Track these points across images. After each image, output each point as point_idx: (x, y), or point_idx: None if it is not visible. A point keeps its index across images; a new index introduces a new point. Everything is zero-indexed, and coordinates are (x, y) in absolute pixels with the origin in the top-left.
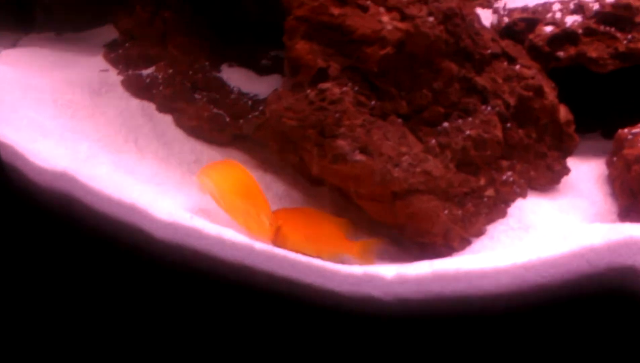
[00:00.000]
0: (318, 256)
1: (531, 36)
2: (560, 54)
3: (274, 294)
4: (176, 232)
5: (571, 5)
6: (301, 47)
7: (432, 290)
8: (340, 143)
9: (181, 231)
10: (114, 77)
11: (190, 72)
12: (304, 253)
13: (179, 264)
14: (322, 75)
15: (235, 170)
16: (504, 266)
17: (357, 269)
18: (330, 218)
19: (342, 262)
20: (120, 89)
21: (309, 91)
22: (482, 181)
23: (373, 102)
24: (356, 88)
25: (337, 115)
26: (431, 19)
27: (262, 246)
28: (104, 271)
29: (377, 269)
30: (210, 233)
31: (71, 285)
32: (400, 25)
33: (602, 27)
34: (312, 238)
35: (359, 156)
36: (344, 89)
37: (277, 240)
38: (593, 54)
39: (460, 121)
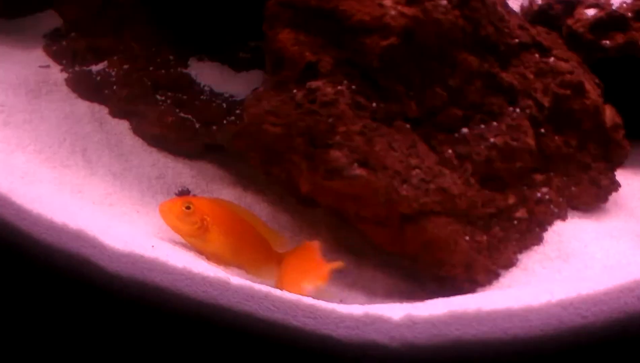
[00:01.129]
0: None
1: (570, 22)
2: (606, 43)
3: (255, 340)
4: (134, 265)
5: None
6: (285, 37)
7: (448, 334)
8: (335, 154)
9: (140, 263)
10: (57, 74)
11: (151, 68)
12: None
13: (138, 303)
14: (311, 71)
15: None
16: (536, 304)
17: (357, 309)
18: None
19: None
20: (64, 90)
21: (295, 90)
22: (512, 200)
23: (374, 104)
24: (353, 87)
25: (330, 120)
26: (444, 2)
27: (239, 281)
28: (44, 313)
29: (382, 309)
30: (176, 266)
31: (6, 325)
32: (407, 10)
33: None
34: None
35: (358, 171)
36: (339, 88)
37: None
38: None
39: (482, 126)
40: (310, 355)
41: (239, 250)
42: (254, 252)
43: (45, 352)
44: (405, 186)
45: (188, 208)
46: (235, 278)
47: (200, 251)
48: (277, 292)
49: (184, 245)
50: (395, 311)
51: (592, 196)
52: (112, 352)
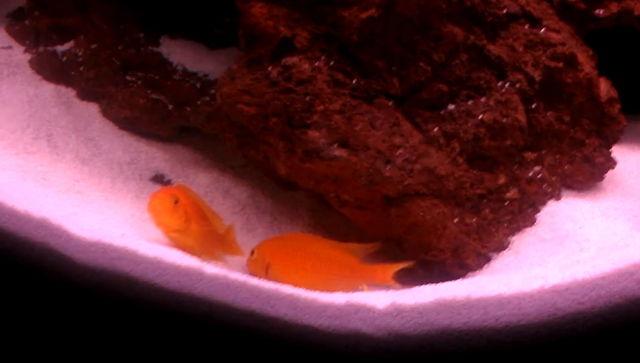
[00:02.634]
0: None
1: None
2: (599, 12)
3: (232, 331)
4: (103, 254)
5: None
6: (258, 11)
7: (436, 323)
8: (313, 134)
9: (109, 252)
10: (20, 55)
11: (120, 47)
12: None
13: (106, 295)
14: (286, 47)
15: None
16: (529, 290)
17: (338, 298)
18: (332, 243)
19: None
20: (27, 71)
21: (270, 68)
22: (502, 180)
23: (354, 81)
24: (332, 63)
25: (307, 98)
26: None
27: (213, 270)
28: (6, 305)
29: (365, 297)
30: (147, 254)
31: None
32: None
33: None
34: (314, 273)
35: (337, 151)
36: (316, 64)
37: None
38: None
39: (470, 102)
40: (290, 346)
41: (208, 240)
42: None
43: (8, 346)
44: (388, 166)
45: (176, 202)
46: (209, 267)
47: (182, 247)
48: (254, 281)
49: (156, 234)
50: (380, 299)
51: (587, 174)
52: (79, 345)
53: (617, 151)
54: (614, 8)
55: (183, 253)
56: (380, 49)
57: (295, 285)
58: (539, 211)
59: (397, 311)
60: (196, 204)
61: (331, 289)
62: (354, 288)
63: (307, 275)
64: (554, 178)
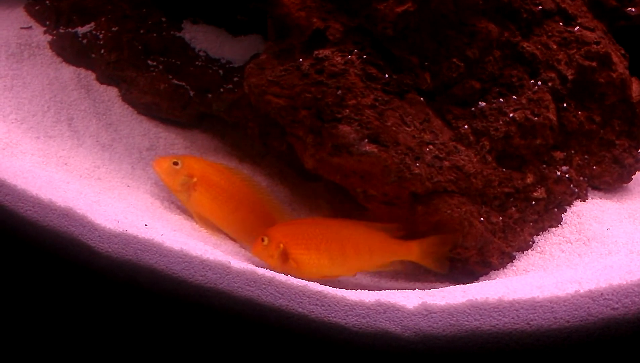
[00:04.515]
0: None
1: None
2: (631, 10)
3: (257, 327)
4: (126, 245)
5: None
6: (291, 1)
7: (466, 324)
8: (344, 128)
9: (133, 244)
10: (40, 36)
11: (142, 31)
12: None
13: (130, 287)
14: (319, 39)
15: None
16: (562, 294)
17: (368, 296)
18: (354, 222)
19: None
20: (48, 53)
21: (301, 59)
22: (530, 179)
23: (387, 76)
24: (364, 57)
25: (339, 92)
26: None
27: (240, 265)
28: (30, 293)
29: (396, 297)
30: (173, 247)
31: None
32: None
33: None
34: (338, 252)
35: (368, 147)
36: (349, 57)
37: (286, 269)
38: None
39: (501, 99)
40: (317, 343)
41: (227, 217)
42: (246, 223)
43: (31, 333)
44: (418, 163)
45: (176, 163)
46: (237, 262)
47: (187, 208)
48: (282, 277)
49: (180, 225)
50: (410, 299)
51: (615, 175)
52: (103, 336)
53: None
54: None
55: (208, 246)
56: (413, 44)
57: (317, 268)
58: (565, 211)
59: (427, 311)
60: (226, 181)
61: (360, 267)
62: (387, 265)
63: (331, 255)
64: (581, 178)
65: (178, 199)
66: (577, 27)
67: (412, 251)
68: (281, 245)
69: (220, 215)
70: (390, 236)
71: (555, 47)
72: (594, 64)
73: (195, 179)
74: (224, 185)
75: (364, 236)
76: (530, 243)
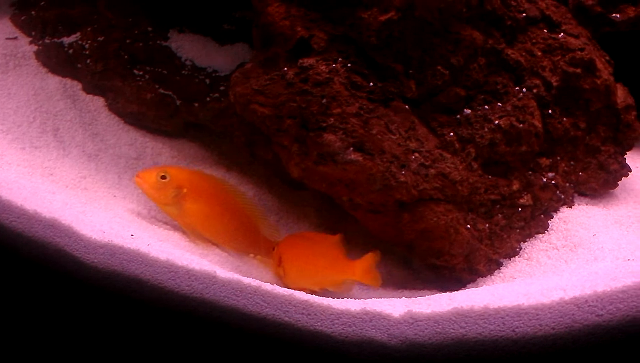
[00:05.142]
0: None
1: None
2: (616, 16)
3: (244, 336)
4: (112, 256)
5: None
6: (275, 10)
7: (452, 332)
8: (329, 137)
9: (119, 254)
10: (26, 47)
11: (128, 41)
12: (305, 290)
13: (116, 297)
14: (303, 47)
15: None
16: (547, 301)
17: (354, 305)
18: (323, 236)
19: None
20: (34, 63)
21: (286, 68)
22: (516, 186)
23: (372, 84)
24: (349, 65)
25: (324, 101)
26: None
27: (226, 274)
28: (14, 304)
29: (382, 305)
30: (159, 257)
31: None
32: None
33: None
34: (309, 268)
35: (353, 155)
36: (333, 66)
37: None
38: None
39: (486, 106)
40: (303, 352)
41: (218, 227)
42: (236, 232)
43: (16, 344)
44: (403, 171)
45: (163, 177)
46: (222, 271)
47: (178, 222)
48: (267, 287)
49: (167, 232)
50: (396, 307)
51: (601, 181)
52: (88, 346)
53: (630, 159)
54: (631, 12)
55: (194, 256)
56: (398, 52)
57: (298, 283)
58: (551, 217)
59: (413, 319)
60: (214, 191)
61: (320, 284)
62: (342, 284)
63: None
64: (567, 185)
65: (166, 213)
66: (562, 33)
67: (356, 270)
68: (184, 189)
69: (212, 223)
70: (345, 254)
71: (539, 53)
72: (578, 70)
73: (185, 190)
74: (212, 192)
75: (326, 254)
76: (517, 249)
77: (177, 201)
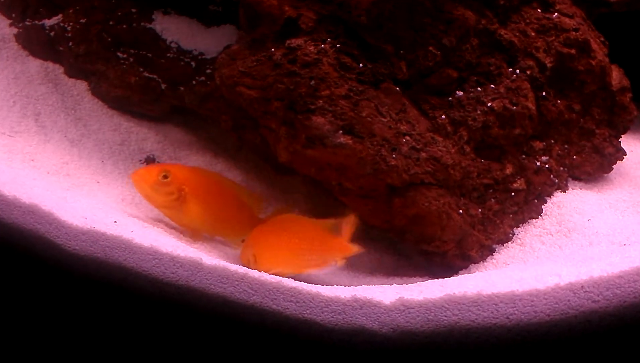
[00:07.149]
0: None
1: None
2: None
3: (230, 324)
4: (95, 242)
5: None
6: None
7: (444, 320)
8: (318, 120)
9: (102, 241)
10: (5, 29)
11: (111, 22)
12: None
13: (99, 285)
14: (291, 28)
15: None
16: (542, 287)
17: (344, 292)
18: (309, 221)
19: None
20: (14, 46)
21: (273, 49)
22: (509, 170)
23: (361, 65)
24: (338, 46)
25: (312, 82)
26: None
27: (212, 261)
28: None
29: (372, 292)
30: (142, 244)
31: None
32: None
33: None
34: (292, 252)
35: (343, 138)
36: (322, 47)
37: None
38: None
39: (479, 88)
40: (292, 340)
41: (219, 220)
42: (235, 222)
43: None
44: (394, 155)
45: (165, 177)
46: (208, 258)
47: (176, 223)
48: (255, 274)
49: (152, 220)
50: (387, 294)
51: (595, 165)
52: (71, 334)
53: (625, 142)
54: None
55: (179, 241)
56: (388, 32)
57: (272, 265)
58: (545, 202)
59: (405, 307)
60: (212, 186)
61: (305, 265)
62: (327, 263)
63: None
64: (561, 169)
65: (165, 216)
66: (556, 13)
67: (340, 247)
68: (185, 189)
69: (212, 218)
70: (333, 234)
71: (533, 34)
72: (572, 51)
73: (186, 189)
74: (208, 186)
75: (310, 235)
76: (510, 235)
77: (180, 203)
